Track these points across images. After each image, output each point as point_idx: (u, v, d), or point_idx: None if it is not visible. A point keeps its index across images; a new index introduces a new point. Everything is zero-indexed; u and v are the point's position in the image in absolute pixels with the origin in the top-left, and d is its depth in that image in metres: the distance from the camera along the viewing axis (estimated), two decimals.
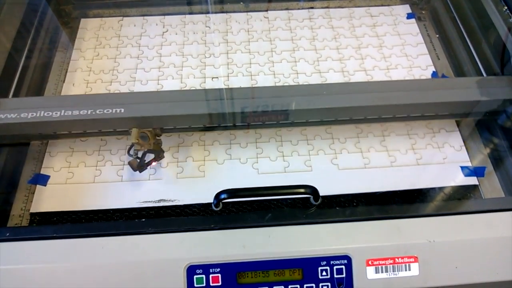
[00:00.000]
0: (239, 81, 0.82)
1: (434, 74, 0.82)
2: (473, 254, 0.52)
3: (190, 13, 0.94)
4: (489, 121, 0.73)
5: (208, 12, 0.95)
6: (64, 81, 0.82)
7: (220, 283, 0.50)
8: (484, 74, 0.77)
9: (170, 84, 0.81)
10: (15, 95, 0.76)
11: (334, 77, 0.82)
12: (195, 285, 0.50)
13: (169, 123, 0.68)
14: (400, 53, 0.86)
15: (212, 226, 0.53)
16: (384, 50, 0.87)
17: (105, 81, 0.82)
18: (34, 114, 0.64)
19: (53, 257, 0.50)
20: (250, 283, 0.50)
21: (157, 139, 0.68)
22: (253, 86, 0.80)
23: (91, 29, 0.91)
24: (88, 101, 0.66)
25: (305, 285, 0.51)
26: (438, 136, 0.74)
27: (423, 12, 0.95)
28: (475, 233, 0.52)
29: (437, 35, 0.91)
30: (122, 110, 0.65)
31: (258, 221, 0.53)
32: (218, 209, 0.56)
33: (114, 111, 0.64)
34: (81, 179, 0.69)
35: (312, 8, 0.95)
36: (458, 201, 0.66)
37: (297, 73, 0.83)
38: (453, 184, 0.68)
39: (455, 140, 0.73)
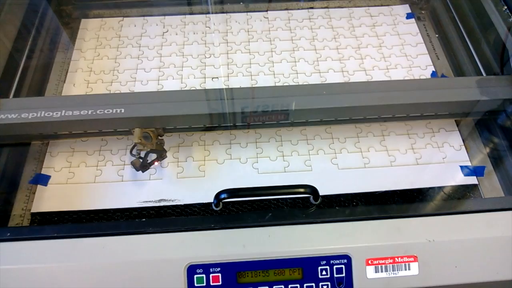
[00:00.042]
0: (239, 81, 0.82)
1: (434, 74, 0.83)
2: (472, 253, 0.52)
3: (190, 14, 0.95)
4: (489, 121, 0.73)
5: (208, 13, 0.95)
6: (64, 82, 0.82)
7: (220, 283, 0.50)
8: (484, 74, 0.77)
9: (170, 84, 0.81)
10: (16, 95, 0.76)
11: (333, 77, 0.82)
12: (196, 284, 0.50)
13: (169, 123, 0.68)
14: (400, 53, 0.86)
15: (212, 225, 0.53)
16: (384, 50, 0.87)
17: (106, 81, 0.82)
18: (35, 114, 0.64)
19: (54, 257, 0.50)
20: (250, 282, 0.51)
21: (160, 139, 0.69)
22: (253, 86, 0.80)
23: (92, 29, 0.91)
24: (89, 101, 0.66)
25: (305, 285, 0.51)
26: (438, 135, 0.74)
27: (423, 12, 0.96)
28: (475, 233, 0.52)
29: (437, 35, 0.91)
30: (123, 110, 0.65)
31: (258, 221, 0.53)
32: (218, 208, 0.56)
33: (114, 111, 0.65)
34: (81, 179, 0.69)
35: (311, 8, 0.95)
36: (457, 200, 0.66)
37: (297, 73, 0.83)
38: (452, 183, 0.68)
39: (455, 139, 0.74)
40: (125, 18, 0.93)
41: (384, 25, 0.92)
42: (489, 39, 0.78)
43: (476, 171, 0.69)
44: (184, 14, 0.94)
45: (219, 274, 0.50)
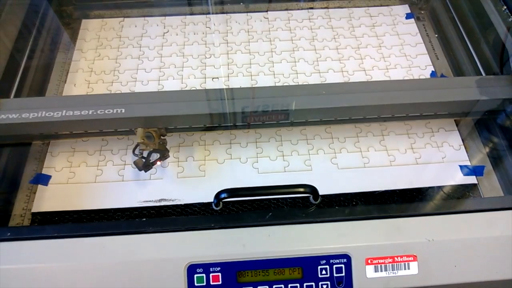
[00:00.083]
0: (239, 81, 0.82)
1: (433, 74, 0.83)
2: (472, 253, 0.52)
3: (191, 14, 0.95)
4: (488, 120, 0.74)
5: (208, 13, 0.95)
6: (65, 82, 0.82)
7: (220, 282, 0.50)
8: (483, 74, 0.77)
9: (171, 85, 0.81)
10: (17, 95, 0.76)
11: (333, 77, 0.82)
12: (196, 284, 0.50)
13: (170, 123, 0.68)
14: (399, 53, 0.86)
15: (212, 225, 0.53)
16: (383, 50, 0.87)
17: (106, 81, 0.82)
18: (36, 114, 0.64)
19: (54, 257, 0.50)
20: (250, 282, 0.51)
21: (162, 138, 0.69)
22: (253, 86, 0.81)
23: (92, 30, 0.91)
24: (89, 101, 0.66)
25: (305, 284, 0.51)
26: (437, 135, 0.74)
27: (422, 12, 0.96)
28: (474, 232, 0.52)
29: (436, 35, 0.91)
30: (123, 110, 0.65)
31: (258, 220, 0.54)
32: (218, 208, 0.56)
33: (115, 111, 0.65)
34: (82, 179, 0.69)
35: (311, 8, 0.96)
36: (457, 200, 0.66)
37: (297, 73, 0.83)
38: (452, 183, 0.68)
39: (454, 139, 0.74)
40: (125, 19, 0.93)
41: (384, 25, 0.92)
42: (489, 39, 0.78)
43: (476, 171, 0.69)
44: (185, 14, 0.94)
45: (219, 274, 0.50)
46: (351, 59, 0.85)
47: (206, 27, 0.92)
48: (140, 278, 0.50)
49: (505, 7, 0.74)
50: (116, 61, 0.85)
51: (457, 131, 0.75)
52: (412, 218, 0.54)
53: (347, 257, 0.51)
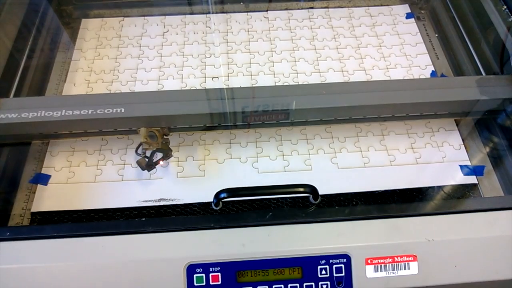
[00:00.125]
0: (239, 81, 0.82)
1: (433, 74, 0.83)
2: (472, 253, 0.52)
3: (191, 14, 0.95)
4: (488, 120, 0.74)
5: (208, 12, 0.95)
6: (65, 81, 0.82)
7: (220, 282, 0.50)
8: (483, 73, 0.77)
9: (171, 84, 0.81)
10: (16, 95, 0.76)
11: (333, 77, 0.82)
12: (195, 284, 0.50)
13: (169, 123, 0.68)
14: (400, 52, 0.86)
15: (212, 225, 0.53)
16: (384, 49, 0.87)
17: (106, 81, 0.82)
18: (35, 114, 0.64)
19: (53, 257, 0.50)
20: (249, 282, 0.51)
21: (165, 138, 0.69)
22: (253, 86, 0.81)
23: (92, 29, 0.91)
24: (89, 101, 0.66)
25: (304, 284, 0.51)
26: (438, 135, 0.74)
27: (422, 11, 0.96)
28: (474, 232, 0.52)
29: (436, 35, 0.91)
30: (123, 110, 0.65)
31: (258, 220, 0.54)
32: (218, 208, 0.56)
33: (114, 111, 0.65)
34: (82, 178, 0.69)
35: (311, 8, 0.95)
36: (457, 200, 0.66)
37: (297, 73, 0.83)
38: (452, 183, 0.68)
39: (455, 139, 0.74)
40: (125, 18, 0.93)
41: (384, 25, 0.92)
42: (489, 38, 0.78)
43: (476, 171, 0.69)
44: (185, 14, 0.94)
45: (219, 274, 0.50)
46: (351, 58, 0.85)
47: (206, 27, 0.92)
48: (140, 278, 0.50)
49: (505, 7, 0.74)
50: (116, 60, 0.85)
51: (457, 130, 0.75)
52: (412, 218, 0.54)
53: (347, 257, 0.51)
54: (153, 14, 0.94)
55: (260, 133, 0.74)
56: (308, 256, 0.51)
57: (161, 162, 0.67)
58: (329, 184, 0.68)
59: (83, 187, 0.68)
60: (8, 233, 0.52)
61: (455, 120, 0.76)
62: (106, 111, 0.65)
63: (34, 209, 0.66)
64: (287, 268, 0.51)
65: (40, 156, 0.72)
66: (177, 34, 0.90)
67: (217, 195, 0.55)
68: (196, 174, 0.69)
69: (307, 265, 0.51)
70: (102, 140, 0.73)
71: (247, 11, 0.95)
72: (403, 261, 0.51)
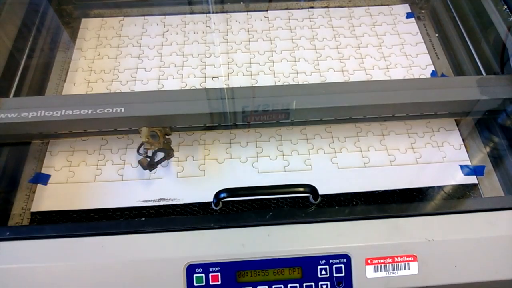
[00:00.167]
0: (239, 81, 0.82)
1: (434, 73, 0.82)
2: (472, 253, 0.52)
3: (191, 13, 0.95)
4: (489, 120, 0.73)
5: (208, 12, 0.95)
6: (65, 81, 0.82)
7: (219, 282, 0.50)
8: (484, 73, 0.77)
9: (171, 84, 0.81)
10: (16, 94, 0.76)
11: (333, 77, 0.82)
12: (195, 284, 0.50)
13: (168, 123, 0.68)
14: (400, 52, 0.86)
15: (212, 225, 0.53)
16: (384, 49, 0.87)
17: (106, 80, 0.82)
18: (35, 113, 0.64)
19: (53, 257, 0.50)
20: (249, 282, 0.51)
21: (167, 138, 0.69)
22: (253, 85, 0.80)
23: (92, 29, 0.91)
24: (89, 100, 0.66)
25: (304, 284, 0.51)
26: (438, 135, 0.74)
27: (423, 11, 0.95)
28: (475, 232, 0.52)
29: (437, 34, 0.91)
30: (123, 110, 0.65)
31: (258, 220, 0.54)
32: (218, 208, 0.56)
33: (114, 111, 0.65)
34: (81, 178, 0.69)
35: (312, 7, 0.95)
36: (457, 200, 0.66)
37: (297, 73, 0.83)
38: (452, 183, 0.68)
39: (455, 139, 0.74)
40: (125, 18, 0.93)
41: (384, 25, 0.92)
42: (489, 38, 0.78)
43: (476, 171, 0.69)
44: (185, 13, 0.94)
45: (219, 274, 0.50)
46: (352, 58, 0.85)
47: (206, 26, 0.92)
48: (139, 278, 0.50)
49: (505, 6, 0.74)
50: (115, 60, 0.85)
51: (458, 130, 0.75)
52: (412, 218, 0.54)
53: (346, 257, 0.51)
54: (153, 13, 0.94)
55: (260, 133, 0.74)
56: (308, 256, 0.51)
57: (163, 162, 0.67)
58: (329, 184, 0.67)
59: (83, 187, 0.68)
60: (7, 233, 0.52)
61: (455, 120, 0.76)
62: (106, 110, 0.65)
63: (34, 208, 0.66)
64: (287, 268, 0.51)
65: (40, 156, 0.72)
66: (177, 33, 0.90)
67: (217, 195, 0.55)
68: (196, 174, 0.69)
69: (307, 265, 0.51)
70: (102, 140, 0.73)
71: (247, 11, 0.95)
72: (403, 261, 0.51)
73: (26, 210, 0.66)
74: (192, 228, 0.53)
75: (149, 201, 0.66)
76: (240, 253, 0.51)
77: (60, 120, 0.64)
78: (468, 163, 0.70)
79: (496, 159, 0.71)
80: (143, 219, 0.60)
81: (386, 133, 0.74)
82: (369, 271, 0.51)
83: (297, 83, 0.81)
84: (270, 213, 0.54)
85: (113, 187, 0.68)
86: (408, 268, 0.51)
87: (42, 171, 0.70)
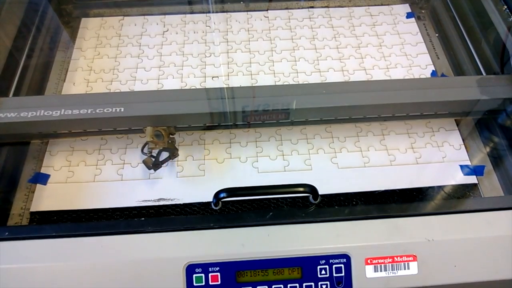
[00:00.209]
0: (239, 81, 0.82)
1: (434, 73, 0.82)
2: (472, 253, 0.52)
3: (191, 13, 0.95)
4: (489, 120, 0.73)
5: (208, 12, 0.95)
6: (64, 80, 0.82)
7: (219, 282, 0.50)
8: (484, 73, 0.77)
9: (171, 83, 0.81)
10: (16, 94, 0.76)
11: (334, 76, 0.82)
12: (194, 284, 0.50)
13: (168, 123, 0.68)
14: (400, 52, 0.86)
15: (212, 225, 0.53)
16: (384, 49, 0.87)
17: (106, 80, 0.82)
18: (35, 113, 0.64)
19: (53, 256, 0.50)
20: (249, 282, 0.51)
21: (171, 137, 0.69)
22: (253, 85, 0.80)
23: (92, 28, 0.91)
24: (89, 100, 0.66)
25: (304, 284, 0.51)
26: (438, 135, 0.74)
27: (423, 11, 0.95)
28: (474, 232, 0.52)
29: (437, 34, 0.91)
30: (122, 109, 0.65)
31: (257, 220, 0.53)
32: (218, 208, 0.56)
33: (114, 110, 0.65)
34: (81, 178, 0.69)
35: (312, 7, 0.95)
36: (457, 200, 0.66)
37: (297, 72, 0.83)
38: (452, 183, 0.68)
39: (455, 139, 0.73)
40: (125, 17, 0.93)
41: (384, 25, 0.92)
42: (489, 38, 0.78)
43: (476, 171, 0.69)
44: (185, 13, 0.94)
45: (218, 274, 0.50)
46: (352, 58, 0.85)
47: (206, 26, 0.92)
48: (139, 278, 0.50)
49: (505, 6, 0.74)
50: (115, 59, 0.85)
51: (458, 130, 0.75)
52: (412, 218, 0.54)
53: (346, 257, 0.51)
54: (153, 13, 0.94)
55: (260, 132, 0.74)
56: (307, 256, 0.51)
57: (167, 161, 0.67)
58: (329, 184, 0.67)
59: (82, 186, 0.68)
60: (7, 233, 0.52)
61: (455, 120, 0.76)
62: (105, 110, 0.64)
63: (33, 208, 0.66)
64: (287, 268, 0.51)
65: (40, 156, 0.72)
66: (177, 33, 0.90)
67: (216, 194, 0.54)
68: (195, 174, 0.69)
69: (306, 265, 0.51)
70: (101, 140, 0.73)
71: (247, 11, 0.95)
72: (403, 261, 0.51)
73: (25, 210, 0.66)
74: (191, 228, 0.53)
75: (148, 201, 0.66)
76: (239, 253, 0.51)
77: (60, 120, 0.64)
78: (468, 163, 0.70)
79: (496, 159, 0.71)
80: (143, 219, 0.60)
81: (386, 133, 0.74)
82: (369, 271, 0.51)
83: (297, 83, 0.81)
84: (270, 213, 0.54)
85: (113, 187, 0.68)
86: (408, 268, 0.51)
87: (42, 171, 0.70)
